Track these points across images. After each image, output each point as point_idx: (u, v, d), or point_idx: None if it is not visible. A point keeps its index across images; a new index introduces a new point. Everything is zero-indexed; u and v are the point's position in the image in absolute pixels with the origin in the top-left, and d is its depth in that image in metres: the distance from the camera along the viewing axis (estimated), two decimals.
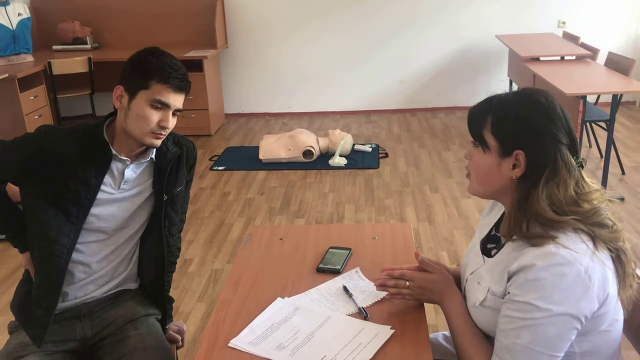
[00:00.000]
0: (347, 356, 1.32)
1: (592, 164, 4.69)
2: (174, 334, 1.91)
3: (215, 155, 5.20)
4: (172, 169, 1.80)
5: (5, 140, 1.73)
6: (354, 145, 5.12)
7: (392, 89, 6.33)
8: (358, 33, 6.12)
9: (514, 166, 1.25)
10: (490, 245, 1.40)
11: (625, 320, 1.52)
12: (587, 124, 4.87)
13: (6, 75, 4.76)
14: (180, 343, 1.93)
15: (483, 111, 1.30)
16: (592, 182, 1.28)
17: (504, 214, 1.39)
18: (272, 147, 4.91)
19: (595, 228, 1.23)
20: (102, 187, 1.70)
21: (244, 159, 5.05)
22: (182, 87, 1.67)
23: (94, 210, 1.70)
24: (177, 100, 1.66)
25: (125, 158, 1.71)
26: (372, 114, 6.32)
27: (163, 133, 1.68)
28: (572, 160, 1.24)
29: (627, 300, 1.28)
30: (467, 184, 1.40)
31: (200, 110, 5.68)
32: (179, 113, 1.71)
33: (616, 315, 1.28)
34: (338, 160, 4.81)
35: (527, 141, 1.23)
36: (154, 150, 1.76)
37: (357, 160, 4.92)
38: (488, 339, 1.36)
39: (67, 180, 1.65)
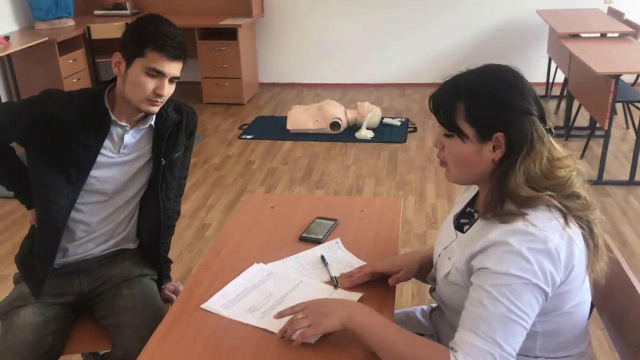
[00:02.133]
0: None
1: (627, 146, 4.54)
2: (170, 294, 1.99)
3: (245, 124, 5.26)
4: (171, 134, 1.85)
5: (12, 102, 1.81)
6: (382, 118, 5.09)
7: (428, 63, 6.23)
8: (396, 5, 6.02)
9: (494, 148, 1.23)
10: (463, 220, 1.40)
11: (599, 305, 1.52)
12: (625, 104, 4.71)
13: (46, 38, 4.90)
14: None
15: (451, 99, 1.25)
16: (560, 148, 1.27)
17: (478, 192, 1.39)
18: (300, 117, 4.93)
19: (568, 202, 1.22)
20: (102, 151, 1.76)
21: (273, 128, 5.10)
22: (178, 55, 1.69)
23: (94, 172, 1.76)
24: (172, 68, 1.69)
25: (125, 124, 1.76)
26: (406, 88, 6.25)
27: (159, 100, 1.71)
28: (543, 129, 1.23)
29: (600, 272, 1.27)
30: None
31: (234, 79, 5.74)
32: (176, 80, 1.74)
33: (582, 297, 1.27)
34: (365, 133, 4.81)
35: (506, 122, 1.21)
36: (154, 116, 1.81)
37: (385, 133, 4.90)
38: (456, 315, 1.36)
39: (67, 143, 1.72)
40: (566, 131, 4.75)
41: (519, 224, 1.18)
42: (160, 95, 1.70)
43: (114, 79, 1.79)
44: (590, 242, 1.24)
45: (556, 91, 5.58)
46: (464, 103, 1.23)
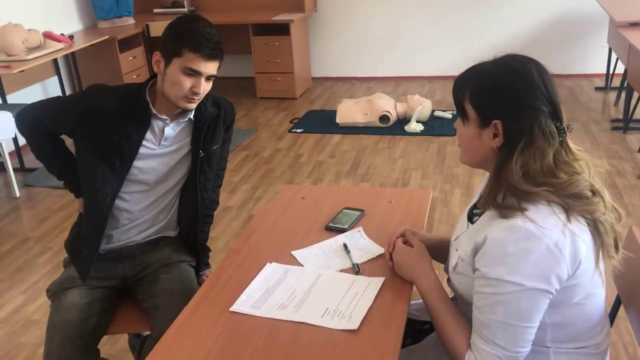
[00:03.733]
0: (348, 305, 1.40)
1: None
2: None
3: (296, 118, 5.34)
4: (209, 128, 1.93)
5: (61, 97, 1.95)
6: (433, 111, 5.06)
7: (483, 55, 6.04)
8: None
9: (495, 136, 1.25)
10: (476, 211, 1.42)
11: (625, 300, 1.50)
12: None
13: (107, 37, 5.13)
14: None
15: (463, 82, 1.29)
16: (578, 149, 1.27)
17: None
18: (349, 111, 4.97)
19: (569, 200, 1.21)
20: (144, 142, 1.86)
21: (323, 122, 5.16)
22: (214, 55, 1.75)
23: (137, 163, 1.86)
24: (208, 67, 1.76)
25: (165, 117, 1.85)
26: None
27: (196, 98, 1.79)
28: (553, 128, 1.21)
29: (610, 271, 1.27)
30: None
31: (286, 73, 5.83)
32: (213, 78, 1.81)
33: (593, 289, 1.26)
34: (414, 126, 4.79)
35: (504, 110, 1.23)
36: (193, 110, 1.89)
37: (435, 126, 4.87)
38: (468, 306, 1.39)
39: (111, 134, 1.82)
40: (625, 124, 4.59)
41: (518, 220, 1.18)
42: (196, 93, 1.78)
43: (156, 74, 1.88)
44: (596, 238, 1.23)
45: (617, 82, 5.39)
46: (471, 87, 1.27)
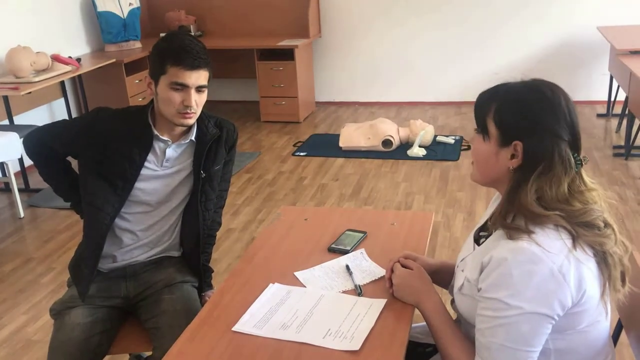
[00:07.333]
0: (350, 326, 1.41)
1: None
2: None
3: (299, 142, 5.38)
4: (210, 148, 1.94)
5: (67, 119, 1.97)
6: (436, 136, 5.10)
7: (486, 81, 5.95)
8: (452, 23, 6.04)
9: (512, 156, 1.26)
10: (482, 233, 1.43)
11: (626, 325, 1.50)
12: None
13: (114, 60, 5.20)
14: None
15: (489, 98, 1.29)
16: (591, 181, 1.27)
17: None
18: (352, 135, 5.01)
19: (580, 228, 1.21)
20: (146, 164, 1.87)
21: (326, 146, 5.19)
22: (197, 65, 1.75)
23: (139, 184, 1.88)
24: (193, 78, 1.76)
25: (167, 138, 1.87)
26: (463, 106, 6.21)
27: (189, 112, 1.79)
28: (571, 158, 1.22)
29: (615, 303, 1.27)
30: None
31: (290, 97, 5.88)
32: (204, 89, 1.81)
33: (598, 316, 1.26)
34: (417, 151, 4.82)
35: (527, 133, 1.23)
36: (195, 131, 1.91)
37: (437, 151, 4.90)
38: (472, 327, 1.39)
39: (114, 156, 1.84)
40: (626, 150, 4.61)
41: (523, 243, 1.19)
42: (188, 106, 1.78)
43: None
44: (604, 269, 1.23)
45: (618, 109, 5.43)
46: (496, 104, 1.27)
